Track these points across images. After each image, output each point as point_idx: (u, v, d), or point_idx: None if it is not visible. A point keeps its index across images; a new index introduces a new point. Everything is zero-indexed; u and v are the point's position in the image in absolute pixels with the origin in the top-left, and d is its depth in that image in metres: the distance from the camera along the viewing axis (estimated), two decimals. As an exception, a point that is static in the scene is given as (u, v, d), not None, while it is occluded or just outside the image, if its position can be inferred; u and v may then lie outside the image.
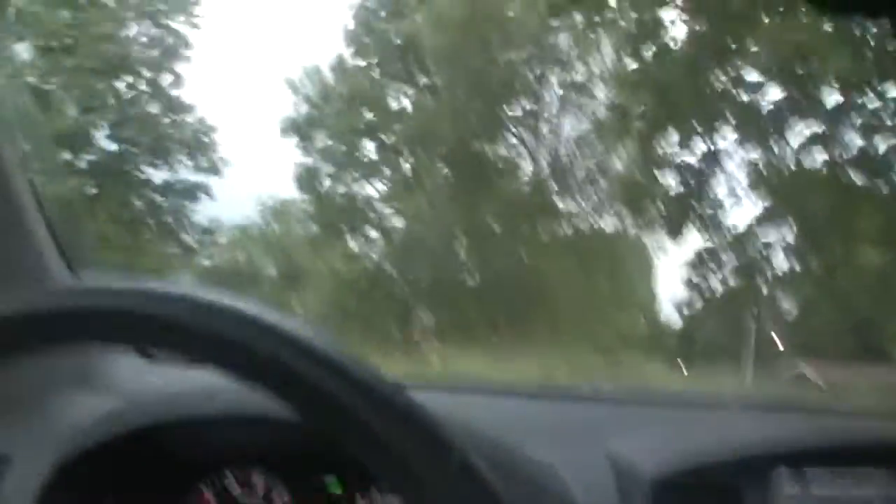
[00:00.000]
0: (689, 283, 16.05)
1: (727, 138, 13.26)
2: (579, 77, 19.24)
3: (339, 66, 21.05)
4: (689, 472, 0.97)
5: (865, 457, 1.02)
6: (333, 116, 20.46)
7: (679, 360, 27.34)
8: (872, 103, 12.04)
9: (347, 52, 20.98)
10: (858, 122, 12.06)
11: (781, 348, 26.80)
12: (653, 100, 12.41)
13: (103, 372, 1.21)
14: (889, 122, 12.05)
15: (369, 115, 20.17)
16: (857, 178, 12.24)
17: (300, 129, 21.04)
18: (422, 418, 0.50)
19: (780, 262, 14.13)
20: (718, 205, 13.63)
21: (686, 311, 24.35)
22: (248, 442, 1.04)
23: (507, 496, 0.50)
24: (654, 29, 12.65)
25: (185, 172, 20.30)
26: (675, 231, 13.65)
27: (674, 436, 1.09)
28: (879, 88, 11.83)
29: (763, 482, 0.96)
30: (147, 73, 20.08)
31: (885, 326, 21.27)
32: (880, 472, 1.00)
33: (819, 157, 12.74)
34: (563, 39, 19.17)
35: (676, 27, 12.69)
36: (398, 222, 20.45)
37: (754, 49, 11.41)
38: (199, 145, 20.27)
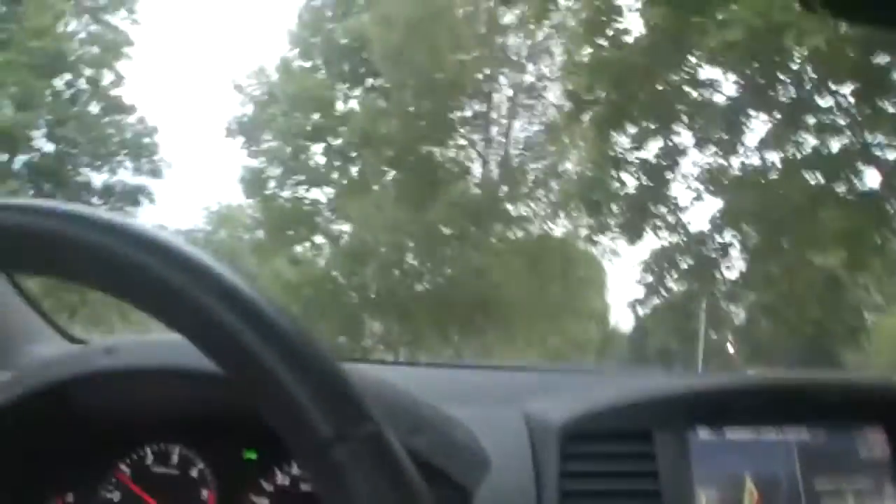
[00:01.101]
0: (642, 286, 15.77)
1: (683, 136, 13.11)
2: (529, 77, 19.16)
3: (285, 67, 20.70)
4: (598, 417, 0.94)
5: (783, 405, 1.00)
6: (279, 118, 20.06)
7: (631, 363, 27.62)
8: (826, 102, 12.01)
9: (293, 53, 20.72)
10: (812, 121, 11.99)
11: (732, 352, 27.07)
12: (608, 87, 12.14)
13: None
14: (841, 122, 11.99)
15: (316, 117, 19.75)
16: (812, 179, 12.15)
17: (245, 131, 20.64)
18: (335, 377, 0.48)
19: (736, 264, 13.95)
20: (675, 205, 13.40)
21: (638, 315, 24.44)
22: (164, 412, 1.00)
23: (419, 447, 0.55)
24: (609, 15, 12.36)
25: (126, 175, 19.95)
26: (632, 232, 13.30)
27: (592, 394, 1.06)
28: (833, 87, 11.75)
29: (676, 428, 0.93)
30: (87, 72, 19.59)
31: (836, 332, 21.48)
32: (798, 417, 0.98)
33: (774, 156, 12.68)
34: (513, 39, 19.08)
35: (633, 15, 12.49)
36: (345, 227, 20.05)
37: (712, 43, 11.17)
38: (140, 147, 19.92)
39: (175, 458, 1.02)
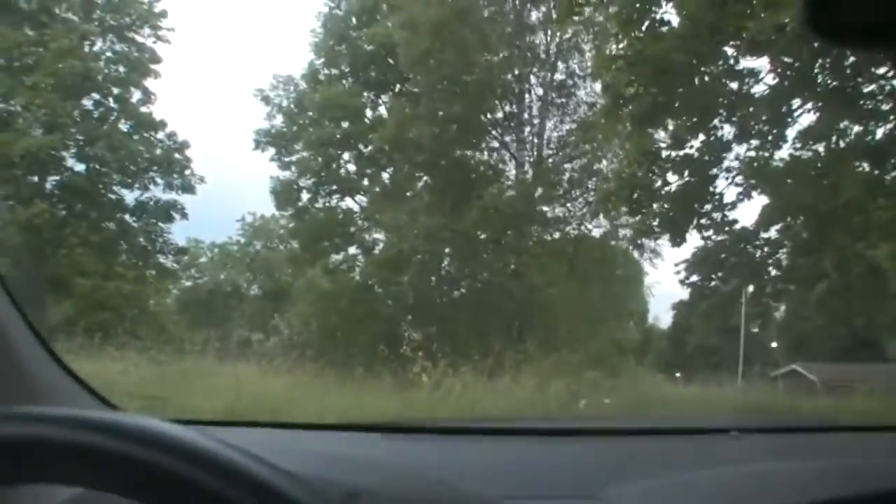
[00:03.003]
0: (684, 285, 15.36)
1: (724, 130, 12.78)
2: (559, 75, 18.92)
3: (312, 76, 20.64)
4: None
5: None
6: (309, 127, 20.00)
7: (672, 362, 27.39)
8: (869, 87, 11.65)
9: (318, 62, 20.65)
10: (856, 108, 11.63)
11: (774, 345, 26.77)
12: (648, 81, 11.86)
13: None
14: (884, 107, 11.64)
15: (345, 125, 19.64)
16: (859, 169, 11.80)
17: (275, 142, 20.62)
18: None
19: (783, 260, 13.57)
20: (719, 201, 13.03)
21: (678, 314, 24.10)
22: None
23: None
24: (645, 6, 12.03)
25: (158, 191, 20.07)
26: (675, 232, 12.95)
27: (673, 488, 1.02)
28: (874, 71, 11.38)
29: None
30: (115, 90, 19.72)
31: (882, 323, 21.08)
32: None
33: (819, 147, 12.32)
34: (541, 38, 18.87)
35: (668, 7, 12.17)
36: (380, 235, 19.90)
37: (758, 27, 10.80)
38: (170, 162, 20.03)
39: None
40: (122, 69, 19.73)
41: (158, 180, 19.97)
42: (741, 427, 1.49)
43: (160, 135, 20.16)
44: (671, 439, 1.55)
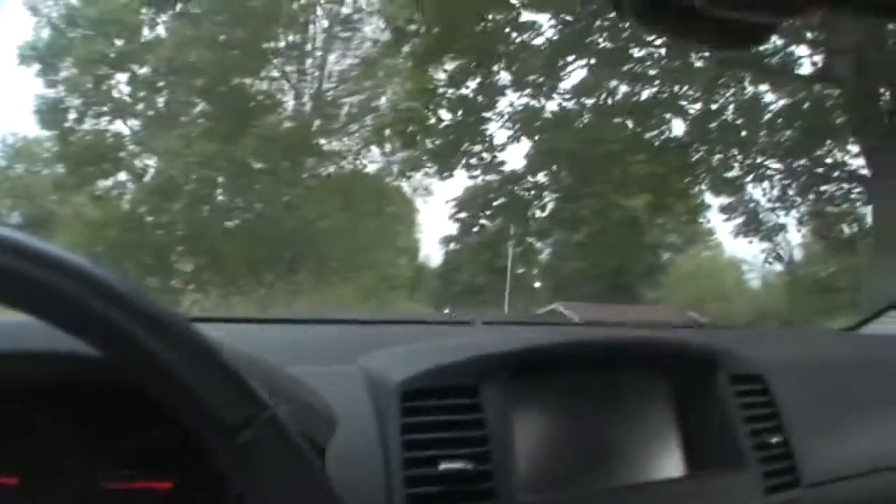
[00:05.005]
0: (454, 222, 15.94)
1: (501, 76, 13.23)
2: (346, 9, 18.89)
3: (86, -12, 19.44)
4: (431, 375, 1.05)
5: (587, 358, 1.17)
6: (80, 43, 18.82)
7: (441, 299, 28.34)
8: (640, 52, 12.45)
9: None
10: (625, 69, 12.42)
11: (538, 286, 28.31)
12: (430, 19, 12.07)
13: None
14: (652, 72, 12.49)
15: (119, 43, 18.66)
16: (624, 125, 12.64)
17: (42, 57, 19.27)
18: (232, 370, 0.57)
19: (547, 204, 14.30)
20: (490, 143, 13.52)
21: (448, 251, 24.97)
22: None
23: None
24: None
25: None
26: (445, 165, 13.40)
27: (420, 348, 1.20)
28: (645, 38, 12.15)
29: (497, 380, 1.06)
30: None
31: (636, 270, 22.83)
32: (598, 367, 1.16)
33: (588, 101, 13.04)
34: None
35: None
36: (151, 162, 19.20)
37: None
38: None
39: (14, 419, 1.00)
40: None
41: None
42: (485, 321, 1.73)
43: None
44: (419, 326, 1.77)
